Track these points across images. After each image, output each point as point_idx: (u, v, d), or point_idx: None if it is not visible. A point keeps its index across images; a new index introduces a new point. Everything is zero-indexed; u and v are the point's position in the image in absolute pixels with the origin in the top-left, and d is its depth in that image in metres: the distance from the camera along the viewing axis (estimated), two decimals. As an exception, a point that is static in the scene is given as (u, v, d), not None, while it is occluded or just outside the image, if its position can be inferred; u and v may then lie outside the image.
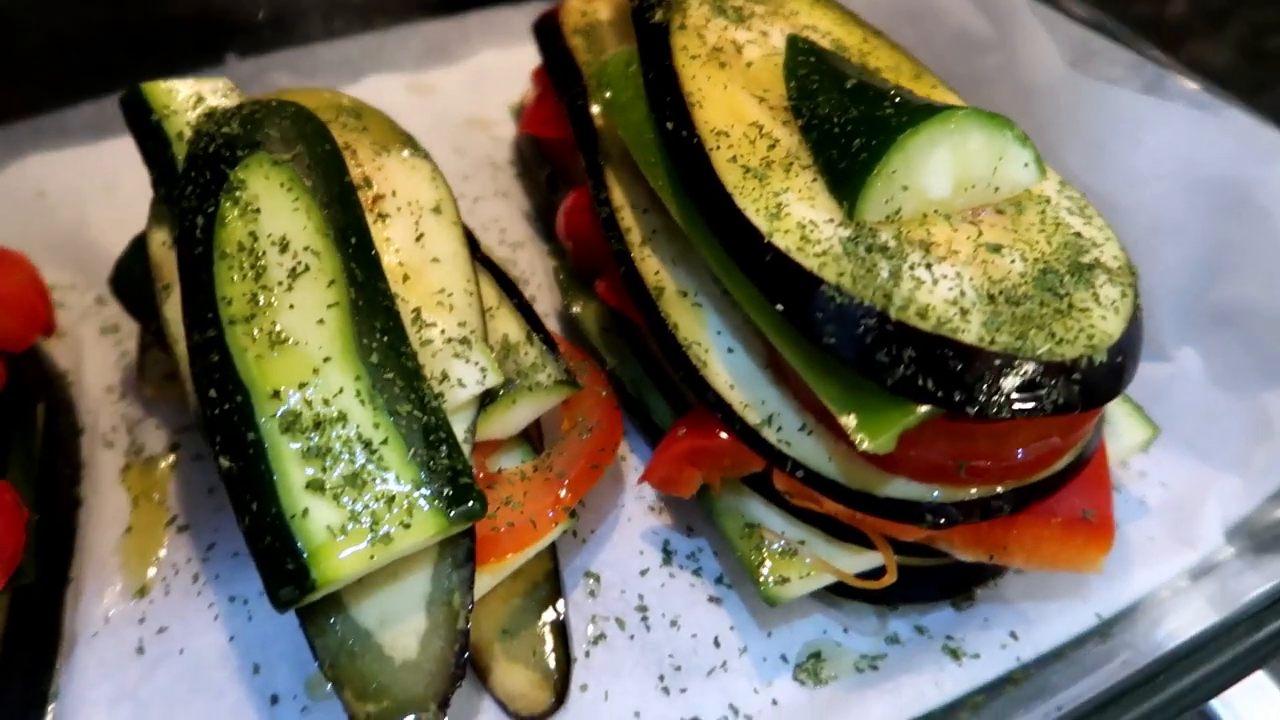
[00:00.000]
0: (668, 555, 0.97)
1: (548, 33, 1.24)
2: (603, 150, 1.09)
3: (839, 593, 0.93)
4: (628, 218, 1.03)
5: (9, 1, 1.31)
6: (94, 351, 1.15)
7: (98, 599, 0.93)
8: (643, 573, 0.95)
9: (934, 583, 0.94)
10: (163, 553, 0.96)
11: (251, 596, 0.93)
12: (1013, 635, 0.90)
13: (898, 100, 0.88)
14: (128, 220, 1.15)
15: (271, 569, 0.74)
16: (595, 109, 1.12)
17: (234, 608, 0.92)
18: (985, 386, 0.74)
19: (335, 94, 1.09)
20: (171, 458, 1.04)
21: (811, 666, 0.90)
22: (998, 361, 0.75)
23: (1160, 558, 0.95)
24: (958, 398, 0.75)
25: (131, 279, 1.04)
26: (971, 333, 0.76)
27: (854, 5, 1.11)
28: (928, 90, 1.02)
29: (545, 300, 1.22)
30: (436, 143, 1.34)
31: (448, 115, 1.43)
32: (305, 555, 0.73)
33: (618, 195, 1.05)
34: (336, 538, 0.74)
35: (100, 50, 1.37)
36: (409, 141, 1.05)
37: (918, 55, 1.05)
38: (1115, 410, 0.99)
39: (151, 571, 0.94)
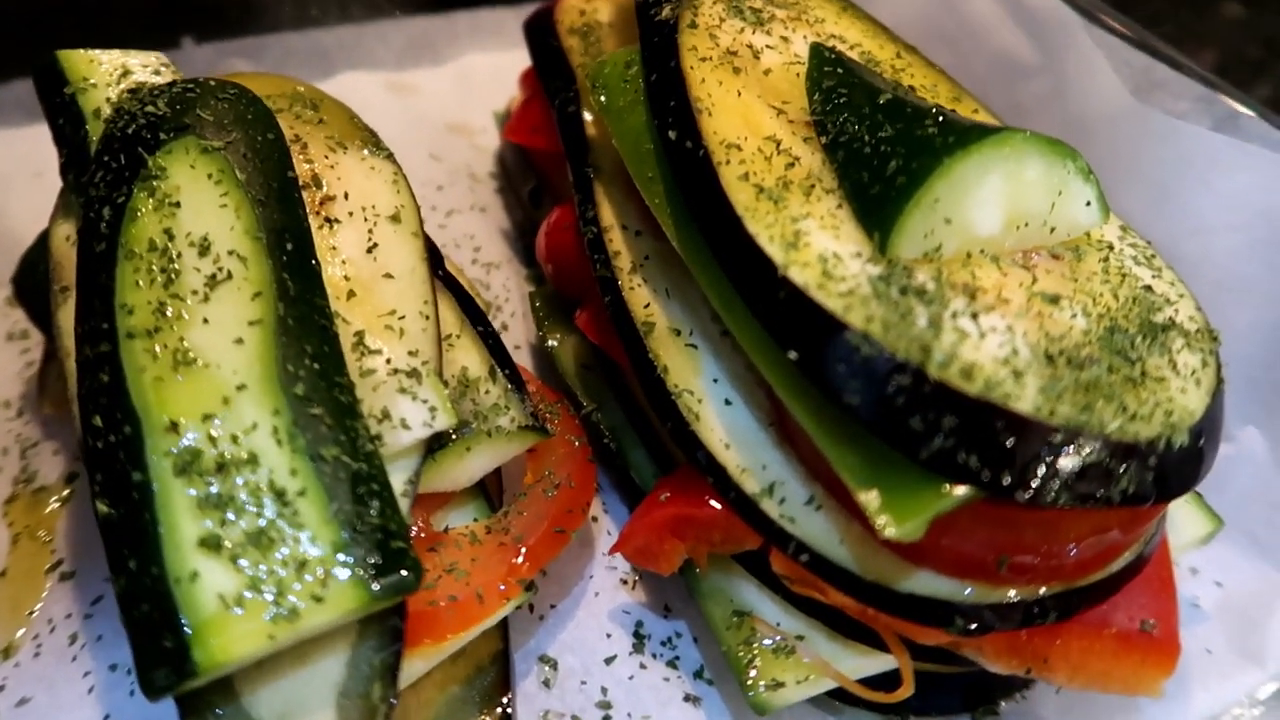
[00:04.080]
0: (639, 640, 0.82)
1: (540, 30, 1.11)
2: (593, 162, 0.96)
3: (838, 696, 0.79)
4: (617, 240, 0.89)
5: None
6: (-4, 360, 1.00)
7: (-45, 658, 0.77)
8: (609, 660, 0.81)
9: (955, 691, 0.79)
10: (40, 605, 0.80)
11: (137, 666, 0.77)
12: (1050, 764, 0.75)
13: (941, 119, 0.75)
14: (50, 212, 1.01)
15: (145, 645, 0.60)
16: (588, 115, 0.99)
17: (114, 679, 0.76)
18: (1042, 468, 0.62)
19: (291, 80, 0.96)
20: (66, 490, 0.89)
21: (805, 788, 0.75)
22: (1058, 438, 0.62)
23: (1221, 674, 0.82)
24: (1007, 480, 0.61)
25: (35, 279, 0.89)
26: (1027, 400, 0.62)
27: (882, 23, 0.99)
28: (968, 115, 0.89)
29: (519, 331, 1.07)
30: (412, 147, 1.22)
31: (427, 118, 1.29)
32: (188, 631, 0.60)
33: (607, 214, 0.91)
34: (230, 610, 0.61)
35: (38, 24, 1.22)
36: (371, 139, 0.91)
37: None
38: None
39: (23, 629, 0.79)
